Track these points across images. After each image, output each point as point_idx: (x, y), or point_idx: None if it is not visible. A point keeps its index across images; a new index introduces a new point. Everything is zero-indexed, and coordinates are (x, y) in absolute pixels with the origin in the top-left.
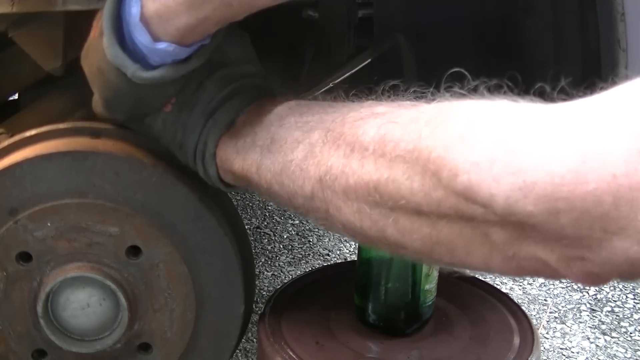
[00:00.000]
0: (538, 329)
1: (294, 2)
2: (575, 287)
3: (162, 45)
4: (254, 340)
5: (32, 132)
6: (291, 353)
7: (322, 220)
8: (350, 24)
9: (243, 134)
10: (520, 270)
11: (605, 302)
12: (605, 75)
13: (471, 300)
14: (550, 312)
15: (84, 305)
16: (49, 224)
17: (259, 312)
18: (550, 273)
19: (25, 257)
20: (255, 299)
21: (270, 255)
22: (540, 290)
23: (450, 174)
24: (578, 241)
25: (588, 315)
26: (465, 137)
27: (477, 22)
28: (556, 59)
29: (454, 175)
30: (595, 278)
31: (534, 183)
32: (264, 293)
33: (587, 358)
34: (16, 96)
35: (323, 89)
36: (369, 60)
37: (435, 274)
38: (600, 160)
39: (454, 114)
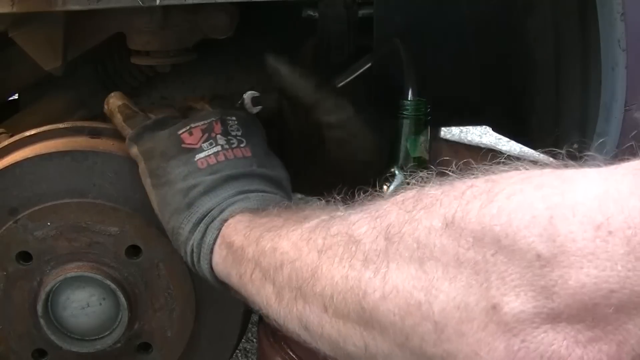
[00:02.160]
0: None
1: (294, 1)
2: None
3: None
4: (254, 340)
5: (32, 132)
6: (291, 353)
7: (351, 304)
8: (350, 24)
9: (265, 215)
10: None
11: None
12: (605, 75)
13: None
14: None
15: (84, 304)
16: (49, 224)
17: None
18: None
19: (25, 256)
20: None
21: None
22: None
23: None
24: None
25: None
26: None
27: (477, 22)
28: (556, 59)
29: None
30: None
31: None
32: None
33: None
34: (16, 96)
35: None
36: (369, 64)
37: None
38: None
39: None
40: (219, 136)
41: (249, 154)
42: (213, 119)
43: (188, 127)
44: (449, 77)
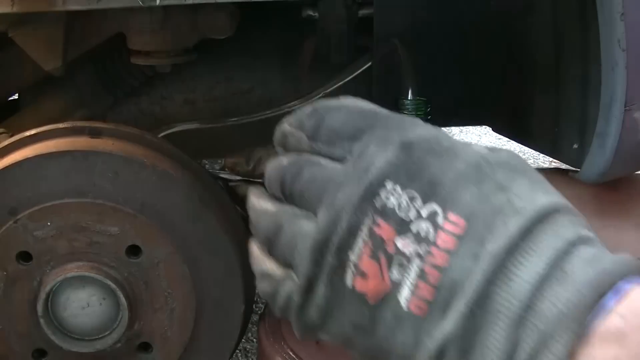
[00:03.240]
0: None
1: (294, 1)
2: None
3: None
4: (254, 340)
5: (32, 132)
6: (291, 353)
7: None
8: (350, 24)
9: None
10: None
11: None
12: (605, 75)
13: None
14: None
15: (84, 304)
16: (49, 224)
17: (259, 312)
18: None
19: (25, 256)
20: (255, 299)
21: None
22: None
23: None
24: None
25: None
26: None
27: (477, 22)
28: (556, 59)
29: None
30: None
31: None
32: None
33: None
34: (16, 96)
35: (322, 94)
36: (369, 64)
37: None
38: None
39: None
40: (399, 242)
41: (461, 228)
42: (361, 217)
43: (349, 267)
44: (449, 77)
